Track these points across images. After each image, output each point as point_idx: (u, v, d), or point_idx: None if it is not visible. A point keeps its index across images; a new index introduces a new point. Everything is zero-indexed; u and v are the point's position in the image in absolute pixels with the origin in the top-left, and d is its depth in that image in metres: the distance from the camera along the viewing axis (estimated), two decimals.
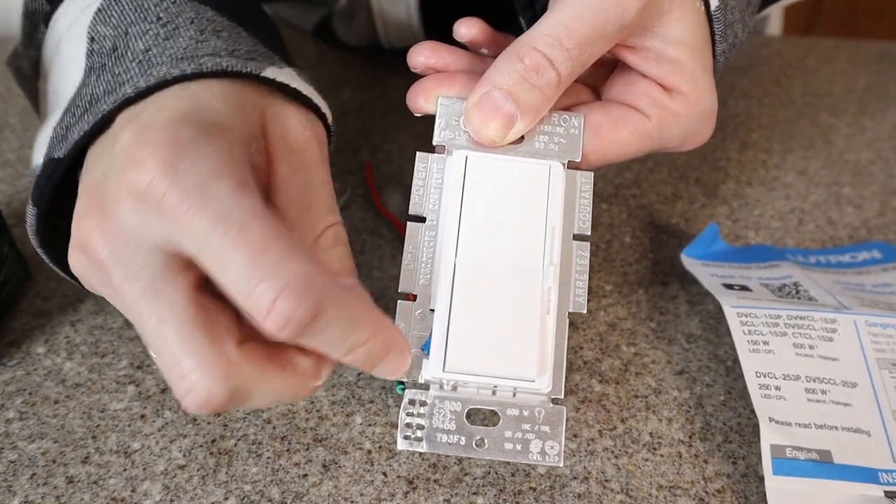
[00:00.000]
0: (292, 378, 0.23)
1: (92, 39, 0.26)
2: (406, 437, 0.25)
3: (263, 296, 0.20)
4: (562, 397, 0.26)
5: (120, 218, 0.22)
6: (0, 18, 0.32)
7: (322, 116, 0.28)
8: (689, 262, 0.36)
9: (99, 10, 0.27)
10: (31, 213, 0.25)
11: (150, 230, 0.21)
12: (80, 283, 0.27)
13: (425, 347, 0.26)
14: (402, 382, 0.26)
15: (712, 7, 0.28)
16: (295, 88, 0.26)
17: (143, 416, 0.30)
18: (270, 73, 0.26)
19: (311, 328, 0.20)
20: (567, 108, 0.29)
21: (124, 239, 0.21)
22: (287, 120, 0.26)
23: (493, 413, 0.26)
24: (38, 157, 0.26)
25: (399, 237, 0.27)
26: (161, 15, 0.26)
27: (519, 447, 0.25)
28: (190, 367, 0.21)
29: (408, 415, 0.25)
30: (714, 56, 0.30)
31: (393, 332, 0.23)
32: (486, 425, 0.26)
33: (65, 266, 0.27)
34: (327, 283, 0.21)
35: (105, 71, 0.25)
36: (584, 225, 0.27)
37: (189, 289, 0.21)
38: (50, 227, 0.26)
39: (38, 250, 0.26)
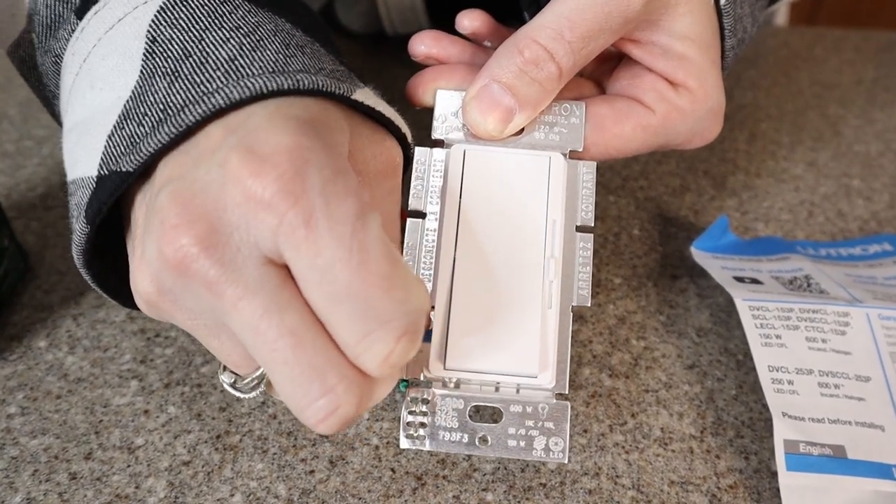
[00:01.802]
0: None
1: (154, 41, 0.24)
2: (409, 436, 0.25)
3: (382, 343, 0.19)
4: (566, 392, 0.25)
5: (228, 230, 0.20)
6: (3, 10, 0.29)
7: (401, 139, 0.26)
8: (699, 254, 0.35)
9: (162, 9, 0.24)
10: (81, 231, 0.23)
11: (262, 243, 0.20)
12: (123, 304, 0.26)
13: (426, 339, 0.26)
14: (405, 380, 0.26)
15: (722, 1, 0.28)
16: (380, 112, 0.25)
17: (146, 412, 0.29)
18: (359, 95, 0.24)
19: None
20: None
21: (234, 252, 0.20)
22: (378, 144, 0.25)
23: (497, 410, 0.26)
24: (83, 170, 0.24)
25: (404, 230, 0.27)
26: (240, 24, 0.24)
27: (523, 444, 0.25)
28: (335, 381, 0.19)
29: (410, 413, 0.25)
30: (723, 51, 0.29)
31: None
32: (491, 422, 0.25)
33: (103, 285, 0.25)
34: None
35: (180, 78, 0.22)
36: (587, 216, 0.27)
37: (305, 301, 0.20)
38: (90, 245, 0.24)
39: (83, 271, 0.24)
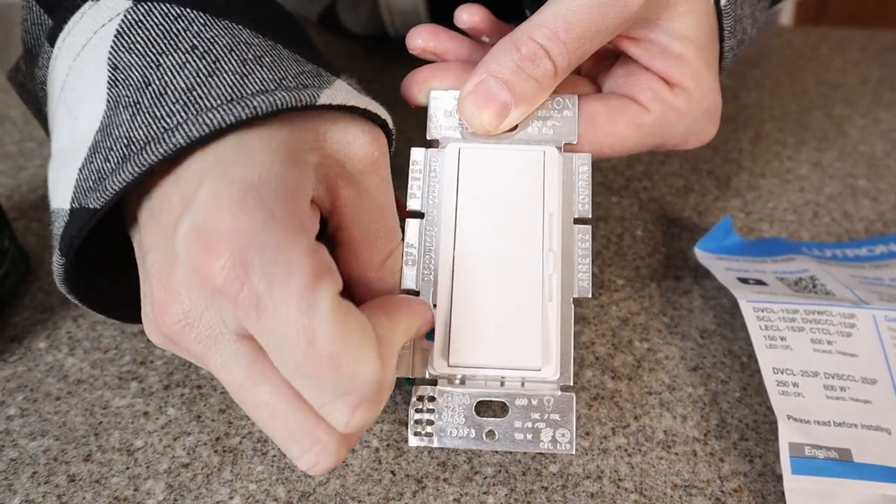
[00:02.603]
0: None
1: (115, 68, 0.23)
2: (417, 434, 0.25)
3: (338, 414, 0.21)
4: (571, 384, 0.25)
5: (200, 310, 0.21)
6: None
7: (382, 125, 0.26)
8: (702, 255, 0.35)
9: (118, 33, 0.24)
10: (58, 262, 0.24)
11: (228, 322, 0.21)
12: (119, 319, 0.28)
13: (430, 337, 0.26)
14: (410, 379, 0.26)
15: (722, 1, 0.28)
16: (354, 106, 0.24)
17: (146, 413, 0.29)
18: (326, 97, 0.24)
19: None
20: None
21: (208, 329, 0.21)
22: (351, 144, 0.25)
23: (503, 404, 0.26)
24: (60, 201, 0.24)
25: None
26: (195, 42, 0.23)
27: (530, 437, 0.25)
28: (310, 443, 0.21)
29: (417, 411, 0.25)
30: (721, 52, 0.29)
31: (429, 315, 0.25)
32: (497, 416, 0.25)
33: (95, 305, 0.26)
34: (391, 365, 0.22)
35: (141, 111, 0.22)
36: (584, 208, 0.27)
37: None
38: (77, 266, 0.24)
39: (69, 296, 0.25)
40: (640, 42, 0.28)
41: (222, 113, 0.22)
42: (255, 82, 0.23)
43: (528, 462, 0.28)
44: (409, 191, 0.27)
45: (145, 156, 0.21)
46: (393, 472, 0.27)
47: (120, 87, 0.23)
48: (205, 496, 0.27)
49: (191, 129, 0.21)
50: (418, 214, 0.27)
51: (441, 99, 0.28)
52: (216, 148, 0.22)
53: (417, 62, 0.30)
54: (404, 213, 0.27)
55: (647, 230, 0.39)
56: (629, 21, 0.26)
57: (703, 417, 0.30)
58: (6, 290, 0.33)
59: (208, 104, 0.22)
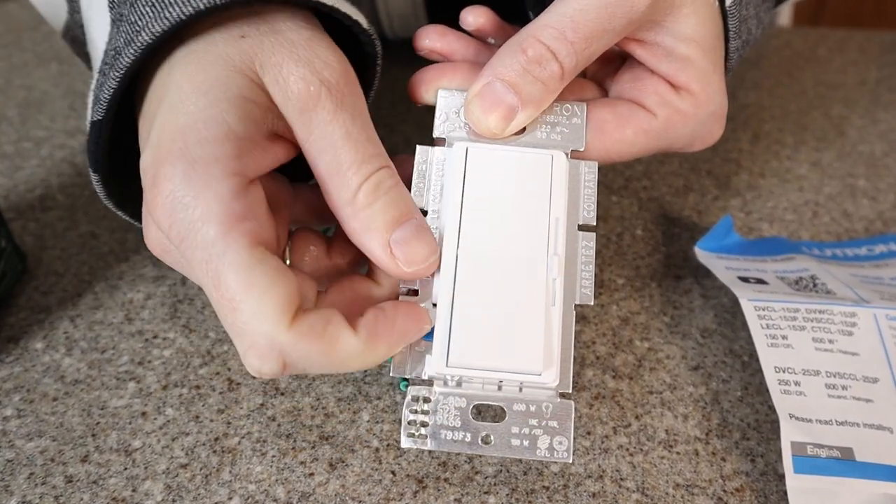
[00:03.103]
0: (338, 357, 0.23)
1: None
2: (410, 435, 0.25)
3: (239, 348, 0.23)
4: (570, 391, 0.25)
5: (164, 239, 0.24)
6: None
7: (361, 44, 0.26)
8: (703, 255, 0.35)
9: None
10: (94, 179, 0.26)
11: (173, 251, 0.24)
12: None
13: (428, 337, 0.25)
14: (405, 379, 0.25)
15: (727, 2, 0.27)
16: (318, 2, 0.24)
17: (143, 414, 0.29)
18: None
19: (286, 372, 0.23)
20: None
21: (173, 250, 0.24)
22: (286, 79, 0.24)
23: (500, 409, 0.25)
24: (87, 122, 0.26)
25: None
26: None
27: (526, 443, 0.25)
28: (241, 346, 0.23)
29: (411, 412, 0.25)
30: (726, 53, 0.29)
31: (424, 322, 0.25)
32: (493, 421, 0.25)
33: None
34: (298, 336, 0.22)
35: (123, 21, 0.24)
36: (589, 215, 0.27)
37: None
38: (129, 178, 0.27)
39: (119, 213, 0.28)
40: (646, 45, 0.28)
41: (181, 7, 0.23)
42: None
43: (530, 462, 0.28)
44: (413, 188, 0.27)
45: (121, 59, 0.23)
46: (393, 473, 0.27)
47: (115, 6, 0.25)
48: (203, 497, 0.26)
49: (154, 27, 0.23)
50: (421, 212, 0.27)
51: (449, 97, 0.28)
52: (172, 73, 0.23)
53: (416, 64, 0.30)
54: None
55: (647, 230, 0.39)
56: (636, 22, 0.26)
57: (705, 417, 0.30)
58: (2, 290, 0.33)
59: (172, 1, 0.23)
